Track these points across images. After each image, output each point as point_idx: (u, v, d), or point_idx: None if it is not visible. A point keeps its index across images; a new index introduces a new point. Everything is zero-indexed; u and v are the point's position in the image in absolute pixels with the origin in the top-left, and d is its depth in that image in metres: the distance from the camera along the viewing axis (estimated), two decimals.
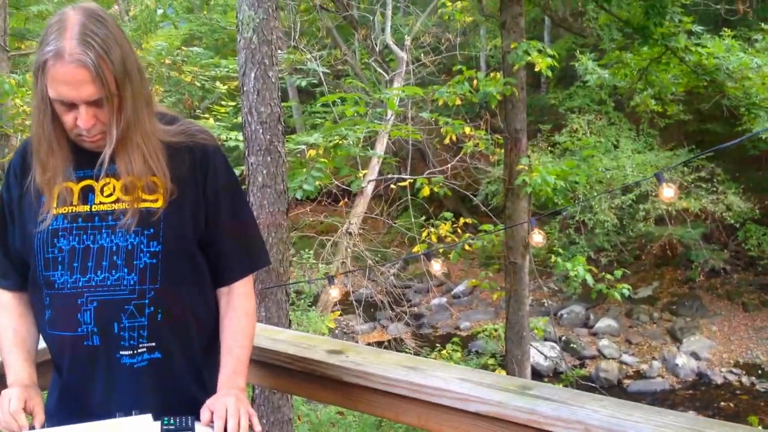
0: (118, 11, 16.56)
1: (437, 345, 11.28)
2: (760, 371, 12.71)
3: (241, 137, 6.85)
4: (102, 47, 1.55)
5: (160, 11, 13.84)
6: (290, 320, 4.67)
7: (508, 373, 8.55)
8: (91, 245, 1.69)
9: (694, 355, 13.17)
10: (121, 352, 1.68)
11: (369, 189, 10.86)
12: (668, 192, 4.20)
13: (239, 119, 7.97)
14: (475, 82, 7.48)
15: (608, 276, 7.73)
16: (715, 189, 13.41)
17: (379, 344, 12.75)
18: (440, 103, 7.84)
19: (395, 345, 12.21)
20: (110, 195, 1.71)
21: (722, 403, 11.88)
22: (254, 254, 1.91)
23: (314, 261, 10.69)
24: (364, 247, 11.54)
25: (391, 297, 14.55)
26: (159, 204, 1.70)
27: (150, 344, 1.70)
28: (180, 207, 1.73)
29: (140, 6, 13.93)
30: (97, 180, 1.71)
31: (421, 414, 1.87)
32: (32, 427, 1.64)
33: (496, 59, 11.04)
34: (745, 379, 12.51)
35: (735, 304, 14.49)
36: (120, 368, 1.69)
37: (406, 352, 11.86)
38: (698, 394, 12.30)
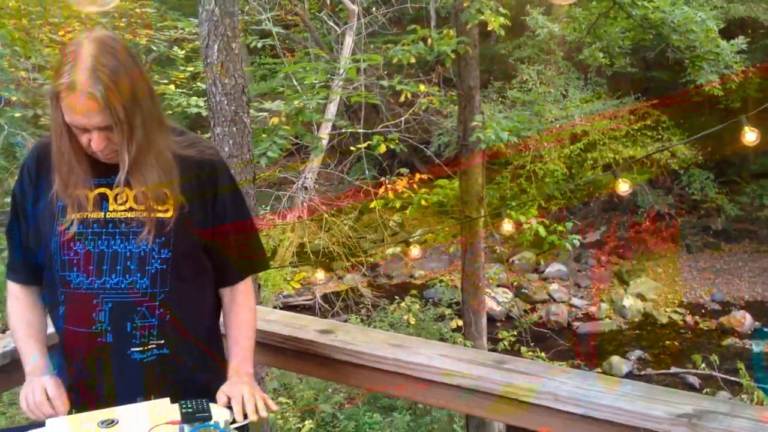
0: None
1: (395, 295, 11.53)
2: (703, 310, 13.29)
3: (202, 103, 6.91)
4: (111, 79, 1.69)
5: None
6: (259, 284, 4.83)
7: (465, 323, 8.86)
8: (105, 250, 1.84)
9: (641, 297, 13.67)
10: (132, 349, 1.85)
11: (323, 143, 10.96)
12: (624, 186, 4.46)
13: (198, 84, 7.99)
14: (429, 40, 7.59)
15: (560, 228, 8.02)
16: (660, 136, 13.79)
17: (337, 295, 12.96)
18: (394, 61, 7.93)
19: (353, 295, 12.47)
20: (123, 203, 1.86)
21: (667, 342, 12.41)
22: (255, 259, 2.10)
23: (272, 217, 10.80)
24: (319, 201, 11.69)
25: (347, 248, 14.77)
26: (169, 214, 1.86)
27: (159, 341, 1.87)
28: (189, 217, 1.88)
29: None
30: (111, 188, 1.86)
31: (407, 388, 2.07)
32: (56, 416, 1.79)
33: (446, 9, 11.09)
34: (689, 319, 13.06)
35: (679, 247, 15.04)
36: (130, 363, 1.86)
37: (364, 303, 12.15)
38: (644, 334, 12.82)
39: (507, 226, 4.94)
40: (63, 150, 1.79)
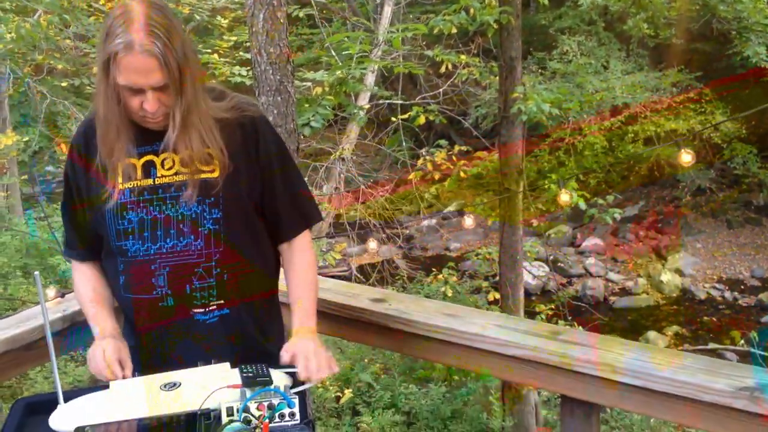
0: None
1: (430, 267, 11.52)
2: (742, 287, 13.10)
3: (245, 72, 6.92)
4: (166, 36, 1.70)
5: None
6: None
7: (502, 296, 8.83)
8: (158, 215, 1.87)
9: (679, 272, 13.51)
10: (194, 310, 1.88)
11: (361, 114, 10.94)
12: (686, 157, 4.37)
13: (241, 53, 8.00)
14: (471, 10, 7.49)
15: (600, 201, 7.93)
16: (703, 109, 13.53)
17: (372, 267, 13.00)
18: (435, 31, 7.85)
19: (388, 267, 12.49)
20: (170, 168, 1.88)
21: (705, 318, 12.27)
22: (307, 211, 2.08)
23: (309, 188, 10.84)
24: (356, 172, 11.69)
25: (383, 219, 14.79)
26: (216, 174, 1.87)
27: (219, 302, 1.89)
28: (236, 176, 1.89)
29: None
30: (157, 155, 1.87)
31: (460, 357, 2.08)
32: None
33: None
34: (728, 295, 12.89)
35: (719, 222, 14.81)
36: (194, 324, 1.89)
37: (400, 275, 12.17)
38: (682, 310, 12.68)
39: (564, 197, 4.90)
40: (112, 115, 1.80)
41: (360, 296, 2.25)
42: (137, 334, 1.95)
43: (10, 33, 6.74)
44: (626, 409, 1.90)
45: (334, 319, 2.25)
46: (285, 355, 1.84)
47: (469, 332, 2.03)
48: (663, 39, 12.07)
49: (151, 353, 1.93)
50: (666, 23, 10.94)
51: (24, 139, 7.98)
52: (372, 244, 6.13)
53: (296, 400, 1.66)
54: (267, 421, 1.59)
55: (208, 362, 1.80)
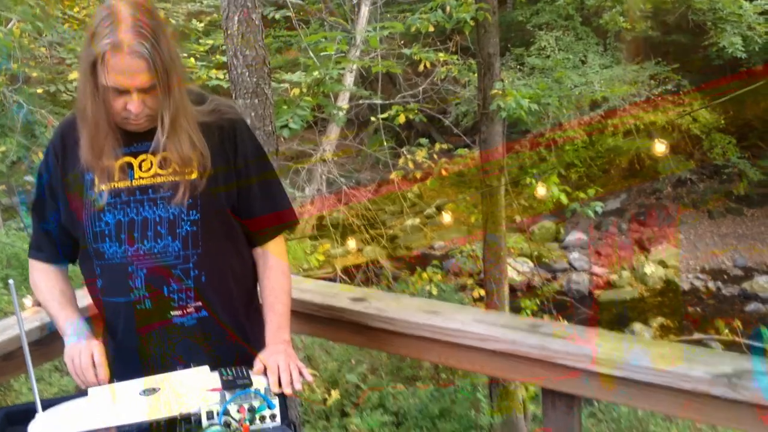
0: None
1: (415, 266, 11.52)
2: (725, 276, 13.19)
3: (222, 76, 6.90)
4: (154, 37, 1.69)
5: None
6: None
7: (487, 292, 8.84)
8: (135, 217, 1.85)
9: (662, 264, 13.58)
10: (172, 313, 1.87)
11: (341, 114, 10.93)
12: (660, 147, 4.42)
13: (218, 57, 7.97)
14: (447, 8, 7.50)
15: (581, 195, 7.95)
16: (681, 101, 13.60)
17: (357, 267, 12.98)
18: (413, 29, 7.86)
19: (374, 268, 12.48)
20: (148, 170, 1.86)
21: (690, 309, 12.35)
22: (283, 216, 2.07)
23: (291, 190, 10.80)
24: (338, 173, 11.68)
25: (366, 220, 14.77)
26: (194, 176, 1.86)
27: (197, 304, 1.88)
28: (214, 178, 1.89)
29: None
30: (135, 157, 1.86)
31: (441, 353, 2.08)
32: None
33: None
34: (711, 284, 12.97)
35: (701, 212, 14.89)
36: (172, 327, 1.87)
37: (385, 275, 12.17)
38: (666, 301, 12.75)
39: (541, 191, 4.94)
40: (100, 116, 1.77)
41: (340, 296, 2.25)
42: (115, 337, 1.94)
43: None
44: (607, 400, 1.91)
45: (315, 320, 2.25)
46: (257, 366, 1.83)
47: (450, 328, 2.03)
48: (639, 32, 12.12)
49: (129, 356, 1.92)
50: (642, 16, 10.99)
51: (1, 149, 7.91)
52: (351, 243, 6.12)
53: (277, 402, 1.66)
54: (247, 423, 1.59)
55: (187, 366, 1.79)
